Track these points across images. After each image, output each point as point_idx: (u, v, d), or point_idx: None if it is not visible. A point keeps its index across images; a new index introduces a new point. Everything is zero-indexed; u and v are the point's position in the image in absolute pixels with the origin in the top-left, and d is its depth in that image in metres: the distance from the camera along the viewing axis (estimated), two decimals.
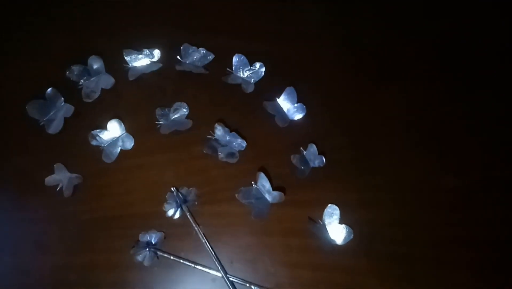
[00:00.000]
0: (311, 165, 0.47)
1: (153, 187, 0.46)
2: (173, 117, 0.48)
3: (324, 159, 0.47)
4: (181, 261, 0.43)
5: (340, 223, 0.45)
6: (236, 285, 0.43)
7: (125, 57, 0.49)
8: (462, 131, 0.50)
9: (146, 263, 0.43)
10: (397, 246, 0.45)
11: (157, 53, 0.50)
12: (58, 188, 0.45)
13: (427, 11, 0.55)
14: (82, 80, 0.48)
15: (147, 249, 0.43)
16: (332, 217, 0.46)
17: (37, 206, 0.45)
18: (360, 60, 0.52)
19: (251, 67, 0.50)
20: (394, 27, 0.54)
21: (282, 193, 0.45)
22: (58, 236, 0.43)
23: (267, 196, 0.45)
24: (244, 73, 0.50)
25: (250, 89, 0.50)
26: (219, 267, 0.43)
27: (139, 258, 0.43)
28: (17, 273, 0.43)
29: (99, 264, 0.43)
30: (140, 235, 0.44)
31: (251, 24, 0.53)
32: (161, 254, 0.43)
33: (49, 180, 0.45)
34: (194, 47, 0.50)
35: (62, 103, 0.47)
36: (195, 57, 0.50)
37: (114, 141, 0.46)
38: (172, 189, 0.46)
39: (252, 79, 0.50)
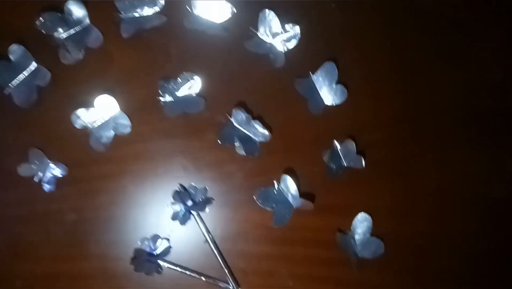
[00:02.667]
0: (345, 164, 0.39)
1: (154, 182, 0.38)
2: (181, 93, 0.37)
3: (363, 161, 0.39)
4: (188, 273, 0.37)
5: (371, 234, 0.40)
6: None
7: (117, 4, 0.36)
8: None
9: (147, 274, 0.37)
10: (430, 261, 0.41)
11: (161, 1, 0.37)
12: (37, 180, 0.36)
13: None
14: (58, 33, 0.35)
15: (149, 261, 0.36)
16: (362, 227, 0.40)
17: (12, 201, 0.36)
18: (420, 33, 0.41)
19: (283, 31, 0.38)
20: None
21: (310, 202, 0.38)
22: (41, 239, 0.36)
23: (291, 201, 0.38)
24: (273, 39, 0.38)
25: (280, 62, 0.38)
26: (230, 280, 0.38)
27: (140, 270, 0.36)
28: None
29: (92, 273, 0.37)
30: (139, 241, 0.37)
31: None
32: (164, 265, 0.37)
33: (24, 169, 0.35)
34: None
35: (34, 66, 0.35)
36: (210, 11, 0.37)
37: (105, 124, 0.36)
38: (178, 186, 0.38)
39: (284, 48, 0.39)
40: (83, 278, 0.37)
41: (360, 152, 0.39)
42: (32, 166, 0.36)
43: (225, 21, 0.38)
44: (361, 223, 0.40)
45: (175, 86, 0.37)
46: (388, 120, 0.41)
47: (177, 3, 0.37)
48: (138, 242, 0.37)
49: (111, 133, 0.36)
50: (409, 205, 0.41)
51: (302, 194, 0.38)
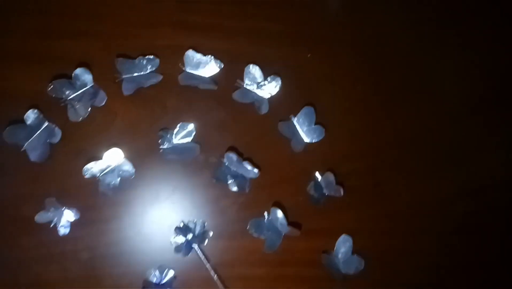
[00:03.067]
0: (327, 193, 0.44)
1: (158, 220, 0.42)
2: (178, 139, 0.42)
3: (342, 190, 0.44)
4: None
5: (352, 253, 0.45)
6: None
7: (117, 67, 0.41)
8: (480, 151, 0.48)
9: None
10: (408, 275, 0.46)
11: (156, 62, 0.41)
12: (51, 225, 0.40)
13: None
14: (66, 96, 0.40)
15: None
16: (344, 247, 0.45)
17: (31, 245, 0.40)
18: (378, 77, 0.47)
19: (266, 81, 0.43)
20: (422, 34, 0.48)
21: (297, 230, 0.43)
22: (60, 277, 0.40)
23: (280, 229, 0.43)
24: (258, 88, 0.43)
25: (265, 109, 0.44)
26: None
27: None
28: None
29: None
30: (147, 273, 0.42)
31: (265, 27, 0.45)
32: None
33: (40, 217, 0.40)
34: (200, 54, 0.42)
35: (45, 125, 0.40)
36: (201, 67, 0.42)
37: (111, 172, 0.41)
38: (180, 223, 0.42)
39: (267, 95, 0.44)
40: None
41: (338, 182, 0.44)
42: (48, 213, 0.40)
43: (214, 75, 0.43)
44: (343, 244, 0.45)
45: (172, 135, 0.42)
46: (361, 152, 0.46)
47: (171, 62, 0.42)
48: (146, 274, 0.42)
49: (117, 180, 0.41)
50: (384, 225, 0.46)
51: (290, 222, 0.43)
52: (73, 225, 0.41)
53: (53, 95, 0.39)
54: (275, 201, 0.44)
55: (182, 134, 0.42)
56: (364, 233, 0.45)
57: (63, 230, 0.40)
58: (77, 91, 0.40)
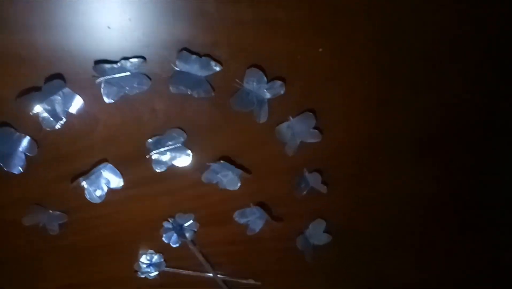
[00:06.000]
0: (311, 184, 0.46)
1: (148, 216, 0.43)
2: (168, 148, 0.39)
3: (326, 189, 0.46)
4: (179, 271, 0.47)
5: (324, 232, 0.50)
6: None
7: (93, 69, 0.33)
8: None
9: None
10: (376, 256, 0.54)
11: (137, 63, 0.34)
12: (40, 225, 0.40)
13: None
14: (35, 107, 0.33)
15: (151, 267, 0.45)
16: (316, 228, 0.50)
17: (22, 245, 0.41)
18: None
19: (268, 85, 0.38)
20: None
21: (279, 223, 0.46)
22: (56, 265, 0.42)
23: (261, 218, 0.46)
24: (259, 90, 0.39)
25: (264, 118, 0.40)
26: (212, 272, 0.48)
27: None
28: None
29: (102, 280, 0.45)
30: (140, 253, 0.45)
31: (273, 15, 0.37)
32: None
33: (28, 219, 0.39)
34: (194, 55, 0.35)
35: (16, 135, 0.34)
36: (194, 66, 0.36)
37: (97, 180, 0.38)
38: (169, 220, 0.44)
39: (268, 96, 0.39)
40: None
41: (323, 181, 0.46)
42: (34, 216, 0.39)
43: (210, 75, 0.37)
44: (317, 225, 0.50)
45: (161, 142, 0.39)
46: (349, 147, 0.46)
47: (160, 60, 0.35)
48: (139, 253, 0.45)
49: (105, 189, 0.39)
50: (360, 212, 0.51)
51: (273, 216, 0.46)
52: (62, 225, 0.41)
53: (21, 105, 0.33)
54: (261, 193, 0.46)
55: (172, 142, 0.39)
56: (339, 217, 0.50)
57: (52, 230, 0.40)
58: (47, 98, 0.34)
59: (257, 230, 0.47)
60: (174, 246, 0.45)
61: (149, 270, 0.46)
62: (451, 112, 0.47)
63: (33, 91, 0.33)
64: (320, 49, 0.40)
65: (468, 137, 0.49)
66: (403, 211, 0.52)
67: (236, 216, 0.45)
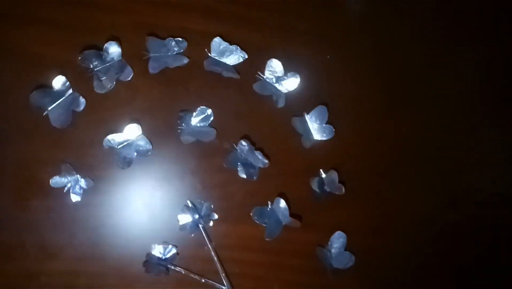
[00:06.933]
0: (328, 190, 0.47)
1: (168, 197, 0.44)
2: (196, 123, 0.44)
3: (343, 189, 0.46)
4: (191, 275, 0.44)
5: (345, 249, 0.47)
6: None
7: (147, 45, 0.42)
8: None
9: (156, 276, 0.43)
10: (394, 271, 0.49)
11: (184, 45, 0.43)
12: (65, 190, 0.41)
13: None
14: (94, 67, 0.41)
15: (159, 264, 0.43)
16: (338, 243, 0.47)
17: (42, 208, 0.41)
18: (390, 85, 0.49)
19: (285, 77, 0.45)
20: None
21: (298, 221, 0.45)
22: (66, 242, 0.41)
23: (281, 218, 0.45)
24: (277, 82, 0.45)
25: (281, 103, 0.46)
26: (226, 282, 0.45)
27: (151, 272, 0.43)
28: (24, 277, 0.41)
29: (108, 272, 0.42)
30: (151, 247, 0.43)
31: (293, 23, 0.47)
32: (171, 267, 0.44)
33: (55, 181, 0.41)
34: (227, 43, 0.44)
35: (70, 92, 0.41)
36: (226, 55, 0.44)
37: (129, 145, 0.42)
38: (188, 202, 0.44)
39: (285, 90, 0.46)
40: (100, 276, 0.43)
41: (341, 181, 0.47)
42: (63, 178, 0.41)
43: (237, 65, 0.45)
44: (337, 240, 0.47)
45: (191, 117, 0.43)
46: (364, 155, 0.48)
47: (198, 47, 0.44)
48: (151, 247, 0.43)
49: (134, 154, 0.42)
50: (376, 225, 0.49)
51: (291, 214, 0.45)
52: (85, 192, 0.42)
53: (82, 65, 0.40)
54: (279, 192, 0.46)
55: (201, 118, 0.44)
56: (357, 230, 0.48)
57: (75, 197, 0.41)
58: (105, 64, 0.41)
59: (275, 235, 0.46)
60: (191, 234, 0.44)
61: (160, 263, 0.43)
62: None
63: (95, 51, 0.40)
64: (328, 56, 0.48)
65: None
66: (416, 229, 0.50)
67: (254, 215, 0.45)
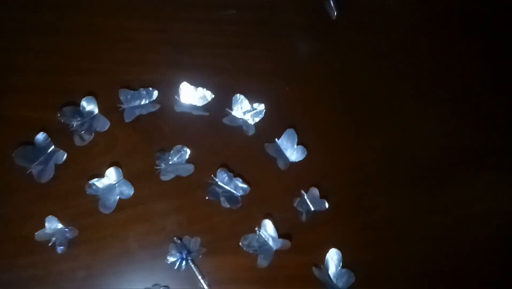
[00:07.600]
0: (312, 208, 0.47)
1: (154, 237, 0.44)
2: (174, 161, 0.46)
3: (326, 204, 0.47)
4: None
5: (342, 266, 0.46)
6: None
7: (120, 97, 0.46)
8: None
9: None
10: (394, 282, 0.47)
11: (155, 93, 0.47)
12: (50, 243, 0.41)
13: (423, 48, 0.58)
14: (74, 123, 0.44)
15: None
16: (334, 261, 0.46)
17: (27, 264, 0.41)
18: (352, 101, 0.53)
19: (251, 108, 0.49)
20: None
21: (288, 241, 0.45)
22: None
23: (271, 243, 0.45)
24: (245, 115, 0.49)
25: (251, 131, 0.49)
26: None
27: None
28: None
29: None
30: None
31: (247, 63, 0.52)
32: None
33: (40, 234, 0.41)
34: (193, 86, 0.48)
35: (52, 148, 0.43)
36: (193, 97, 0.48)
37: (111, 189, 0.44)
38: (175, 239, 0.44)
39: (253, 121, 0.49)
40: None
41: (322, 196, 0.48)
42: (47, 231, 0.42)
43: (205, 104, 0.49)
44: (332, 258, 0.47)
45: (168, 156, 0.46)
46: (341, 169, 0.50)
47: (167, 93, 0.48)
48: None
49: (117, 198, 0.44)
50: (369, 237, 0.48)
51: (280, 234, 0.45)
52: (71, 243, 0.42)
53: (62, 121, 0.44)
54: (265, 216, 0.46)
55: (178, 156, 0.46)
56: (350, 245, 0.47)
57: (60, 249, 0.41)
58: (84, 118, 0.45)
59: (268, 262, 0.45)
60: (181, 271, 0.43)
61: None
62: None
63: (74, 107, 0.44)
64: (287, 88, 0.52)
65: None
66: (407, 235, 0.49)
67: (243, 244, 0.45)
